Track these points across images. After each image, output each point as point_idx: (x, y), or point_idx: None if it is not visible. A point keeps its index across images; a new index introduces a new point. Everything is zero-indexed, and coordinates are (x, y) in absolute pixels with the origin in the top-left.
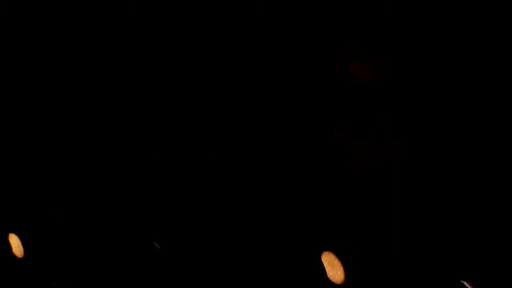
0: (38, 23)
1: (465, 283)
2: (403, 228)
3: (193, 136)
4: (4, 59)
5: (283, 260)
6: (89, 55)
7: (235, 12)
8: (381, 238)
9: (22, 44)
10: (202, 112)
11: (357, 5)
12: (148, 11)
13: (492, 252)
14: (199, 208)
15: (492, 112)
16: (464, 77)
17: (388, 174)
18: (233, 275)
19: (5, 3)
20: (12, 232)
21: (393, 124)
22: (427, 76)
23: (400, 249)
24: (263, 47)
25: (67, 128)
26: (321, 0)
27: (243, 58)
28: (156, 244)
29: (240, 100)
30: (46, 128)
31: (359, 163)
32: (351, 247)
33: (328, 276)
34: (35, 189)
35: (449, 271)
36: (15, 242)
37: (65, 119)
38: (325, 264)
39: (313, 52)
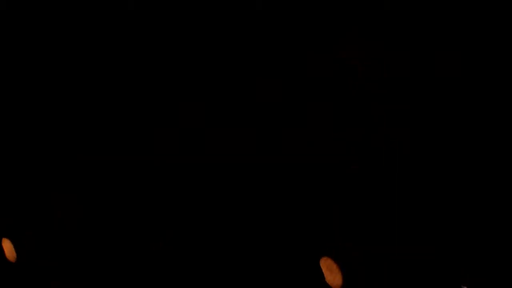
0: (38, 23)
1: None
2: (403, 228)
3: (193, 136)
4: (4, 59)
5: (282, 264)
6: (89, 55)
7: (235, 12)
8: (381, 238)
9: (22, 44)
10: (202, 112)
11: (357, 5)
12: (148, 11)
13: (492, 252)
14: (199, 208)
15: (493, 111)
16: (464, 77)
17: (388, 174)
18: (230, 279)
19: (5, 3)
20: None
21: (393, 124)
22: (427, 76)
23: (400, 249)
24: (263, 47)
25: (67, 128)
26: (321, 0)
27: (243, 58)
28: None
29: (240, 100)
30: (46, 127)
31: (359, 163)
32: (351, 247)
33: (327, 281)
34: (35, 189)
35: (449, 271)
36: (8, 246)
37: (65, 119)
38: (324, 269)
39: (313, 52)
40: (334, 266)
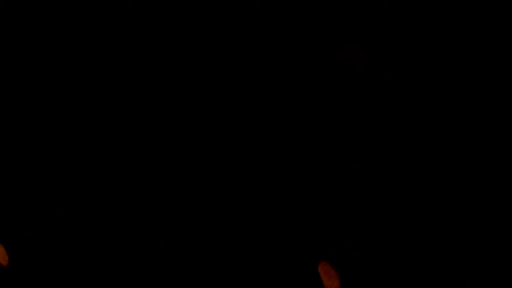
0: (38, 23)
1: None
2: (403, 228)
3: (193, 136)
4: (4, 59)
5: (282, 264)
6: (89, 55)
7: (235, 12)
8: (381, 238)
9: (22, 44)
10: (202, 112)
11: (357, 5)
12: (148, 11)
13: (492, 252)
14: (198, 208)
15: (493, 111)
16: (464, 77)
17: (388, 174)
18: (230, 279)
19: (5, 3)
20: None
21: (393, 124)
22: (427, 76)
23: (400, 249)
24: (263, 47)
25: (67, 128)
26: (321, 0)
27: (243, 58)
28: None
29: (240, 100)
30: (46, 127)
31: (359, 163)
32: (351, 247)
33: (325, 287)
34: (35, 189)
35: (449, 271)
36: (0, 251)
37: (65, 119)
38: (322, 274)
39: (313, 52)
40: (332, 272)
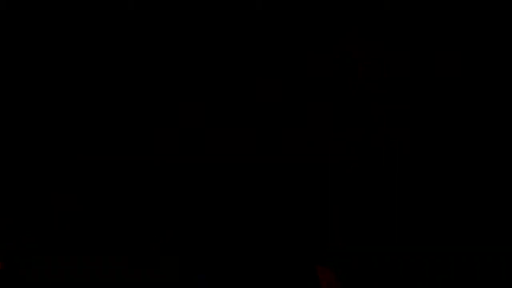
0: (38, 23)
1: None
2: (403, 228)
3: (193, 136)
4: (4, 59)
5: (281, 262)
6: (89, 55)
7: (235, 12)
8: (381, 238)
9: (22, 44)
10: (202, 112)
11: (357, 5)
12: (148, 11)
13: (492, 252)
14: (199, 208)
15: (493, 111)
16: (464, 77)
17: (388, 174)
18: (230, 278)
19: (5, 3)
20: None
21: (393, 124)
22: (427, 76)
23: (400, 249)
24: (263, 47)
25: (67, 128)
26: (321, 0)
27: (243, 58)
28: None
29: (240, 100)
30: (46, 127)
31: (359, 163)
32: (351, 247)
33: None
34: (35, 189)
35: (449, 271)
36: None
37: (65, 119)
38: (320, 279)
39: (313, 52)
40: (331, 277)
